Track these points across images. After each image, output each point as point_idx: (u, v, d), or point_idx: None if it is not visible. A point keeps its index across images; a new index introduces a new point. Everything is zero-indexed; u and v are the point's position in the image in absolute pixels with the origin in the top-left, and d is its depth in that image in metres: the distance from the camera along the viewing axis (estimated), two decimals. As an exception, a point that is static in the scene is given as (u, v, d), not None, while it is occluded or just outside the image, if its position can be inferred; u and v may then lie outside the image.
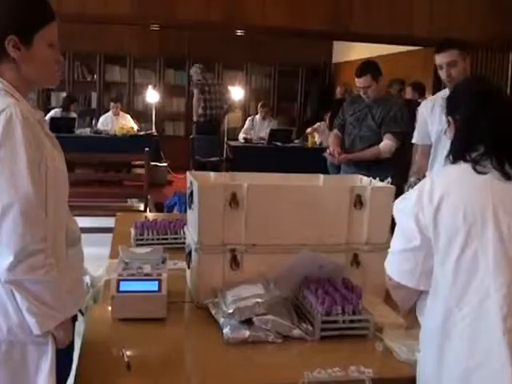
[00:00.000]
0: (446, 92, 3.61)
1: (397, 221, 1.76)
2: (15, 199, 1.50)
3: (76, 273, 1.80)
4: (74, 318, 1.84)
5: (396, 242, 1.74)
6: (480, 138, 1.67)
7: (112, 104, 9.56)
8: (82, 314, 1.93)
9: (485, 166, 1.63)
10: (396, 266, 1.73)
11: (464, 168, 1.65)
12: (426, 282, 1.67)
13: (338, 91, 8.76)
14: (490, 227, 1.57)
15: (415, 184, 2.92)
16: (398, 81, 7.11)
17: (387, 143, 4.23)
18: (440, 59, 3.45)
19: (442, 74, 3.46)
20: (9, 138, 1.51)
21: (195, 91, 9.37)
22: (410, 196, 1.72)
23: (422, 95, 6.72)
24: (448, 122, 1.82)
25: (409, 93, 7.11)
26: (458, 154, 1.70)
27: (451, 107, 1.81)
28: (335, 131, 4.62)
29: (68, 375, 1.80)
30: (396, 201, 1.81)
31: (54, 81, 1.77)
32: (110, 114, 9.60)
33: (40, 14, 1.65)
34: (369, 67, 4.32)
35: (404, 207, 1.72)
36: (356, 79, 4.33)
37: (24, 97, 1.67)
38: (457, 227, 1.59)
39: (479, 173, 1.62)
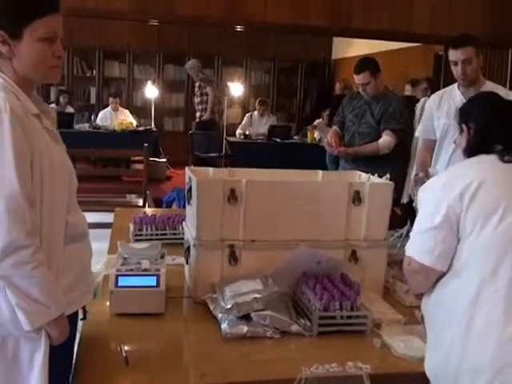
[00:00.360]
0: (453, 87, 3.60)
1: (420, 205, 1.86)
2: (1, 195, 1.49)
3: (78, 269, 1.77)
4: (77, 315, 1.83)
5: (418, 224, 1.82)
6: (497, 140, 1.81)
7: (111, 99, 9.55)
8: (85, 312, 1.91)
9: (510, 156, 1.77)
10: (417, 246, 1.80)
11: (489, 158, 1.80)
12: (442, 262, 1.74)
13: (338, 87, 8.74)
14: None
15: (422, 180, 2.99)
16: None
17: (386, 139, 4.23)
18: (456, 56, 3.40)
19: (456, 70, 3.41)
20: None
21: (209, 88, 9.17)
22: (435, 182, 1.85)
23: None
24: (461, 129, 1.94)
25: (407, 89, 7.11)
26: (474, 151, 1.85)
27: (465, 115, 1.93)
28: (334, 127, 4.62)
29: (69, 371, 1.78)
30: (420, 188, 1.92)
31: (53, 76, 1.73)
32: (108, 109, 9.58)
33: (30, 7, 1.60)
34: (367, 64, 4.31)
35: (429, 193, 1.84)
36: (355, 76, 4.32)
37: (28, 92, 1.67)
38: (495, 205, 1.69)
39: (506, 162, 1.76)
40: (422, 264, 1.76)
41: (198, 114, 9.40)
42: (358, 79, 4.29)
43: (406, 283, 2.20)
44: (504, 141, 1.80)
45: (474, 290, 1.67)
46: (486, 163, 1.80)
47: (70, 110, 9.47)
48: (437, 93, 3.79)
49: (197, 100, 9.34)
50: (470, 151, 1.88)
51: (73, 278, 1.73)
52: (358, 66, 4.32)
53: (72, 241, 1.73)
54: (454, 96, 3.55)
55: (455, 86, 3.59)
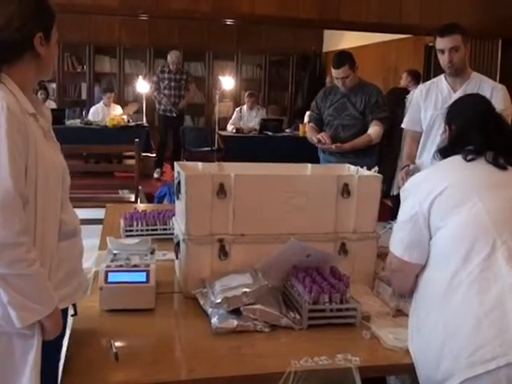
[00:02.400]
0: (440, 78, 3.61)
1: (401, 204, 2.01)
2: None
3: (70, 266, 1.78)
4: (67, 312, 1.84)
5: (397, 221, 2.00)
6: (469, 144, 1.95)
7: (108, 94, 9.47)
8: (75, 307, 1.91)
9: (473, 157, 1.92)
10: (392, 238, 2.00)
11: (455, 158, 1.96)
12: (410, 253, 1.90)
13: (328, 80, 8.75)
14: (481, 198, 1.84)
15: (413, 171, 3.09)
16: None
17: (376, 129, 4.29)
18: (443, 44, 3.40)
19: (443, 59, 3.42)
20: None
21: (193, 86, 9.12)
22: (411, 182, 2.03)
23: (417, 82, 6.71)
24: (445, 128, 2.13)
25: (404, 79, 7.09)
26: (449, 152, 2.01)
27: (450, 117, 2.12)
28: (311, 124, 4.63)
29: (58, 367, 1.79)
30: (401, 189, 2.09)
31: (51, 75, 1.87)
32: (100, 104, 9.53)
33: (52, 12, 1.73)
34: (345, 58, 4.36)
35: (405, 192, 2.01)
36: (334, 70, 4.35)
37: (28, 91, 1.71)
38: (462, 198, 1.84)
39: (468, 160, 1.92)
40: (395, 256, 1.95)
41: (165, 101, 8.86)
42: (337, 73, 4.32)
43: (390, 285, 2.22)
44: (476, 146, 1.93)
45: (450, 275, 1.76)
46: (457, 165, 1.94)
47: (51, 105, 9.38)
48: (424, 84, 3.80)
49: (174, 90, 8.87)
50: (445, 151, 2.03)
51: (63, 275, 1.73)
52: (336, 60, 4.35)
53: (63, 238, 1.74)
54: (441, 87, 3.56)
55: (442, 77, 3.60)
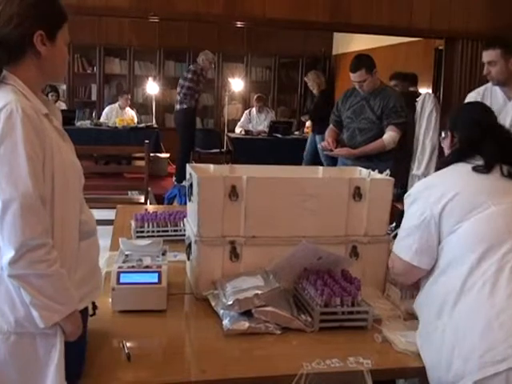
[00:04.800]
0: (490, 85, 3.59)
1: (406, 209, 2.03)
2: (15, 195, 1.51)
3: (89, 265, 1.79)
4: (87, 310, 1.85)
5: (402, 225, 2.02)
6: (476, 152, 1.98)
7: (125, 96, 9.44)
8: (95, 306, 1.92)
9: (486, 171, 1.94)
10: (399, 243, 2.01)
11: (460, 165, 1.99)
12: (419, 259, 1.93)
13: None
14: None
15: None
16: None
17: (391, 135, 4.25)
18: (483, 56, 3.49)
19: (484, 70, 3.50)
20: (9, 134, 1.52)
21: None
22: (418, 187, 2.05)
23: (414, 85, 6.68)
24: (446, 133, 2.13)
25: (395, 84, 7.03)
26: (454, 159, 2.04)
27: (453, 124, 2.12)
28: (331, 126, 4.64)
29: (82, 366, 1.79)
30: (406, 194, 2.07)
31: (63, 77, 1.83)
32: (115, 105, 9.53)
33: (60, 12, 1.72)
34: (362, 61, 4.32)
35: (411, 197, 2.01)
36: (351, 74, 4.33)
37: (37, 92, 1.70)
38: (472, 205, 1.86)
39: (477, 171, 1.94)
40: (402, 259, 1.98)
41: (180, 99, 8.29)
42: (354, 77, 4.31)
43: (400, 289, 2.23)
44: (484, 155, 1.96)
45: (461, 281, 1.77)
46: (465, 173, 1.96)
47: (61, 106, 9.43)
48: (476, 90, 3.69)
49: (189, 89, 8.20)
50: (452, 161, 2.04)
51: (83, 274, 1.74)
52: (353, 64, 4.33)
53: (83, 238, 1.75)
54: (495, 95, 3.54)
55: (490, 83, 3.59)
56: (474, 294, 1.74)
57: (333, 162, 4.70)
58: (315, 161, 8.40)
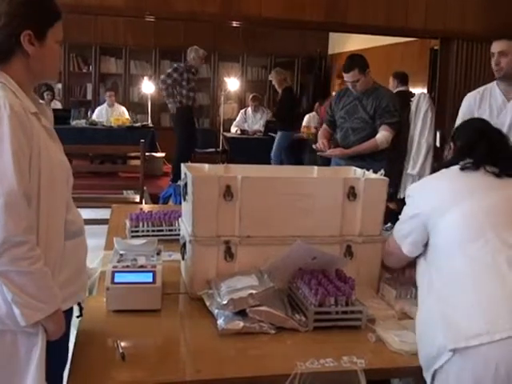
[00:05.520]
0: (493, 85, 3.57)
1: (406, 201, 2.20)
2: None
3: (75, 265, 1.79)
4: (72, 311, 1.85)
5: (402, 215, 2.19)
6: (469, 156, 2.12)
7: (107, 93, 9.50)
8: (81, 308, 1.92)
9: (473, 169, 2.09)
10: (397, 225, 2.21)
11: (453, 168, 2.14)
12: (410, 248, 2.11)
13: (337, 83, 8.78)
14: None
15: None
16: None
17: (384, 134, 4.25)
18: (492, 47, 3.48)
19: (492, 61, 3.47)
20: None
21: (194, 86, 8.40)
22: (417, 185, 2.26)
23: (405, 84, 6.70)
24: (449, 145, 2.28)
25: (391, 82, 7.06)
26: (450, 163, 2.17)
27: (456, 135, 2.28)
28: (324, 126, 4.65)
29: (64, 366, 1.80)
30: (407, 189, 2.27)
31: (56, 76, 1.87)
32: (104, 105, 9.57)
33: (52, 11, 1.71)
34: (355, 61, 4.33)
35: (410, 191, 2.20)
36: (344, 74, 4.35)
37: (28, 91, 1.70)
38: (456, 199, 2.01)
39: (463, 169, 2.09)
40: (394, 240, 2.19)
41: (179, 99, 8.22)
42: (347, 77, 4.31)
43: (394, 288, 2.25)
44: (474, 156, 2.09)
45: (448, 271, 1.90)
46: (456, 172, 2.10)
47: (56, 105, 9.42)
48: (477, 91, 3.67)
49: (184, 89, 8.15)
50: (448, 163, 2.18)
51: (69, 274, 1.74)
52: (346, 64, 4.34)
53: (68, 237, 1.75)
54: (494, 95, 3.52)
55: (494, 83, 3.56)
56: (458, 282, 1.84)
57: (327, 161, 4.70)
58: (281, 159, 8.48)
